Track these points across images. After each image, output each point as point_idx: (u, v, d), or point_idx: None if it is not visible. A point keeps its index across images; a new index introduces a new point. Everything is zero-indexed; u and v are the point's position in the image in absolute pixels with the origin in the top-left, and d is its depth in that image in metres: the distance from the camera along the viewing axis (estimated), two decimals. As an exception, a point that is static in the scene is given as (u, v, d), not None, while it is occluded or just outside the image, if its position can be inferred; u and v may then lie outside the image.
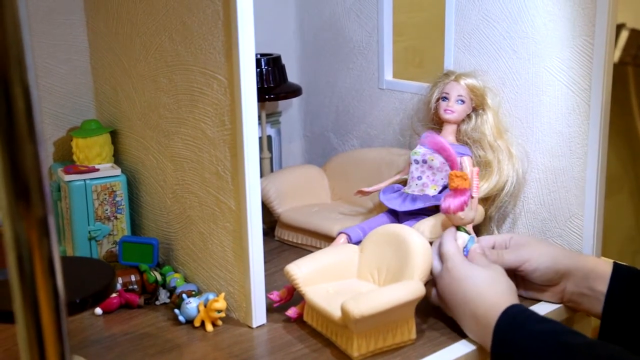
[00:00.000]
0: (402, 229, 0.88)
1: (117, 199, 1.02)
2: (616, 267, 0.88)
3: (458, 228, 0.92)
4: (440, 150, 0.96)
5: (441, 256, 0.88)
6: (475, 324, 0.82)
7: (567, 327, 0.80)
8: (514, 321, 0.78)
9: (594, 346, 0.74)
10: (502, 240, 0.94)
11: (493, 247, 0.93)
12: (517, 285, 0.90)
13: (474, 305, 0.82)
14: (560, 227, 0.99)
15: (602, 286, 0.87)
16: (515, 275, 0.91)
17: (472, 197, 0.91)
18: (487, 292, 0.82)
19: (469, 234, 0.92)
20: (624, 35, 2.06)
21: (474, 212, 0.92)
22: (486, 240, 0.94)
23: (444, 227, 0.95)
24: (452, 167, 0.93)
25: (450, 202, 0.91)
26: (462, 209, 0.91)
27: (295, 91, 1.25)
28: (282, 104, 1.33)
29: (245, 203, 0.85)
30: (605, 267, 0.89)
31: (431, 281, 0.90)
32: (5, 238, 0.42)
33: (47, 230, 0.43)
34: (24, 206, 0.42)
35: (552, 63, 0.97)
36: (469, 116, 1.03)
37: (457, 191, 0.91)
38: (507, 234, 0.97)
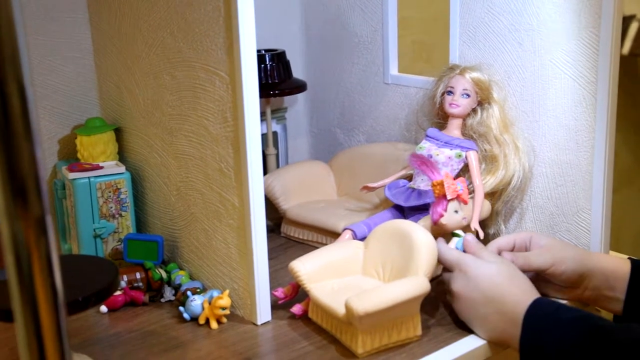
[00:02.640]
0: (406, 224, 0.88)
1: (122, 196, 1.02)
2: (635, 265, 0.88)
3: (453, 234, 0.91)
4: (420, 168, 0.95)
5: (445, 266, 0.87)
6: (501, 320, 0.81)
7: (596, 314, 0.80)
8: (545, 311, 0.78)
9: (631, 327, 0.75)
10: (521, 240, 0.92)
11: (513, 247, 0.92)
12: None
13: (499, 303, 0.81)
14: (568, 222, 0.98)
15: (621, 285, 0.87)
16: (535, 276, 0.90)
17: (448, 202, 0.90)
18: (510, 288, 0.81)
19: (459, 235, 0.90)
20: (635, 26, 2.04)
21: (459, 215, 0.91)
22: (506, 240, 0.92)
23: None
24: (430, 178, 0.92)
25: (432, 213, 0.91)
26: (441, 215, 0.90)
27: (300, 87, 1.25)
28: (287, 99, 1.32)
29: (249, 200, 0.85)
30: (624, 266, 0.88)
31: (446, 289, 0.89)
32: (3, 238, 0.42)
33: (44, 229, 0.43)
34: (22, 205, 0.42)
35: (557, 56, 0.95)
36: (474, 110, 1.03)
37: (438, 199, 0.90)
38: (526, 232, 0.95)
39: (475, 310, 0.83)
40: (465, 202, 0.91)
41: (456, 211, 0.90)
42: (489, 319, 0.82)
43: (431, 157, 1.01)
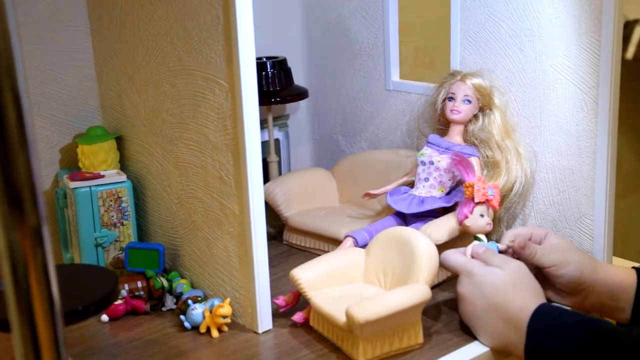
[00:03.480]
0: (407, 231, 0.87)
1: (123, 205, 1.02)
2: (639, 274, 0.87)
3: (475, 237, 0.90)
4: (457, 168, 0.95)
5: (451, 270, 0.87)
6: (505, 327, 0.80)
7: (601, 318, 0.79)
8: (549, 316, 0.77)
9: (634, 330, 0.75)
10: (538, 234, 0.92)
11: (530, 238, 0.91)
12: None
13: (503, 310, 0.80)
14: (571, 227, 0.98)
15: (626, 296, 0.87)
16: (536, 272, 0.89)
17: (475, 205, 0.89)
18: (514, 295, 0.80)
19: (480, 240, 0.90)
20: (639, 31, 2.04)
21: (484, 220, 0.90)
22: (524, 230, 0.92)
23: (452, 229, 0.94)
24: (464, 179, 0.92)
25: (457, 213, 0.91)
26: (465, 217, 0.90)
27: (301, 94, 1.24)
28: (289, 107, 1.32)
29: (249, 208, 0.85)
30: (630, 277, 0.88)
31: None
32: (-1, 248, 0.42)
33: (41, 239, 0.43)
34: (17, 215, 0.42)
35: (558, 61, 0.95)
36: (475, 116, 1.02)
37: (466, 201, 0.90)
38: (543, 228, 0.94)
39: (478, 316, 0.83)
40: (495, 209, 0.91)
41: (482, 215, 0.90)
42: (493, 325, 0.82)
43: (433, 163, 1.01)
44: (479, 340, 0.84)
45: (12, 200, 0.42)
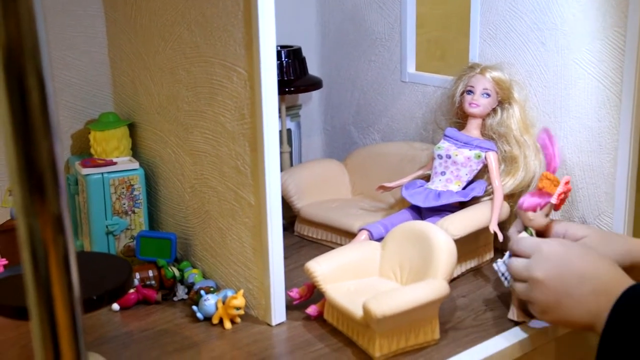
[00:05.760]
0: (425, 226, 0.86)
1: (135, 192, 1.00)
2: None
3: (525, 229, 0.87)
4: (543, 147, 0.92)
5: (523, 252, 0.81)
6: (594, 299, 0.74)
7: None
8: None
9: None
10: (555, 231, 0.87)
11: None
12: None
13: (596, 280, 0.74)
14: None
15: None
16: None
17: (550, 204, 0.86)
18: (605, 267, 0.76)
19: (531, 233, 0.87)
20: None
21: (547, 219, 0.87)
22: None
23: (470, 223, 0.93)
24: (547, 167, 0.89)
25: (525, 199, 0.86)
26: (534, 209, 0.86)
27: (315, 84, 1.23)
28: (302, 97, 1.31)
29: (265, 198, 0.84)
30: None
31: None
32: (19, 234, 0.41)
33: (62, 226, 0.42)
34: (39, 202, 0.41)
35: (581, 55, 0.94)
36: (494, 110, 1.01)
37: (540, 192, 0.86)
38: (561, 223, 0.88)
39: (565, 293, 0.76)
40: (557, 209, 0.88)
41: (547, 215, 0.86)
42: (582, 299, 0.75)
43: (450, 157, 1.00)
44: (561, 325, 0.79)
45: (34, 186, 0.41)
